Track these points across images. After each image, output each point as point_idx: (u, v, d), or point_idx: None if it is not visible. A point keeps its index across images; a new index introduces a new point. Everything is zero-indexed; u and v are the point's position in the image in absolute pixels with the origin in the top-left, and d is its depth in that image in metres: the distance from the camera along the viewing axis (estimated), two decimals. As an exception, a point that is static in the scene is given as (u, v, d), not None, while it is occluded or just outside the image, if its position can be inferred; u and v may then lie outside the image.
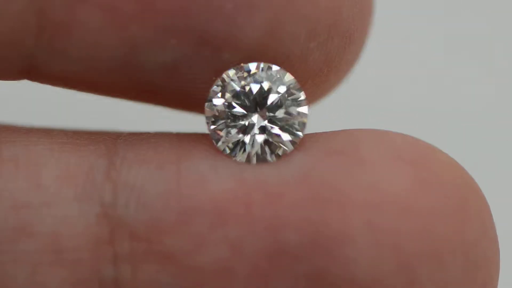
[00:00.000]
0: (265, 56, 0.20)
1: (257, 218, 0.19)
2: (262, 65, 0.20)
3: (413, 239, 0.18)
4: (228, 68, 0.20)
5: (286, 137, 0.20)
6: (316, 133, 0.21)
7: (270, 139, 0.20)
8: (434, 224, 0.18)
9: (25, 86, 0.23)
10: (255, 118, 0.20)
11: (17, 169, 0.20)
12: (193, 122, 0.23)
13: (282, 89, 0.20)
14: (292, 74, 0.20)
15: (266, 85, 0.20)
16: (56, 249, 0.19)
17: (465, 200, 0.19)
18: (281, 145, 0.20)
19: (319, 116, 0.24)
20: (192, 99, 0.21)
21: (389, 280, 0.18)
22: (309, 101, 0.21)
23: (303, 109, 0.20)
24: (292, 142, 0.20)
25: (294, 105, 0.20)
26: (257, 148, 0.20)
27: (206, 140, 0.21)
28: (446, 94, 0.37)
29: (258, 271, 0.19)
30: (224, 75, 0.20)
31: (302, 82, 0.21)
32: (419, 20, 0.39)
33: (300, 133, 0.20)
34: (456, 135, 0.34)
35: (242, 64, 0.20)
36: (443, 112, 0.37)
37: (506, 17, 0.39)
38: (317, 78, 0.21)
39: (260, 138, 0.20)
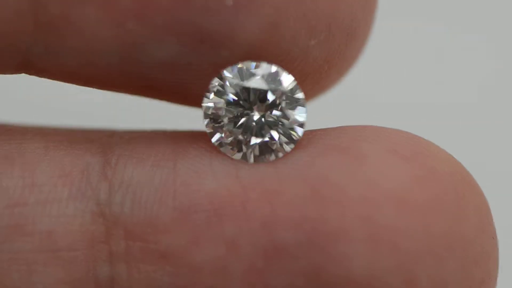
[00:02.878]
0: (265, 53, 0.20)
1: (253, 216, 0.19)
2: (261, 63, 0.20)
3: (410, 235, 0.18)
4: (227, 65, 0.20)
5: (284, 138, 0.20)
6: (313, 130, 0.21)
7: (268, 139, 0.20)
8: (431, 220, 0.18)
9: (20, 84, 0.23)
10: (253, 116, 0.20)
11: (12, 168, 0.20)
12: (189, 120, 0.23)
13: (281, 88, 0.20)
14: (292, 71, 0.20)
15: (265, 84, 0.20)
16: (51, 248, 0.19)
17: (462, 196, 0.19)
18: (279, 146, 0.20)
19: (317, 113, 0.24)
20: (190, 94, 0.21)
21: (386, 277, 0.18)
22: (308, 97, 0.21)
23: (302, 109, 0.20)
24: (290, 142, 0.20)
25: (292, 105, 0.20)
26: (254, 147, 0.20)
27: (202, 138, 0.20)
28: (445, 91, 0.37)
29: (255, 269, 0.19)
30: (223, 72, 0.20)
31: (302, 78, 0.20)
32: (420, 17, 0.39)
33: (298, 133, 0.20)
34: (454, 132, 0.34)
35: (241, 62, 0.20)
36: (441, 109, 0.37)
37: (503, 17, 0.39)
38: (317, 75, 0.21)
39: (258, 138, 0.20)
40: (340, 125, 0.20)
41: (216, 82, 0.20)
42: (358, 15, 0.21)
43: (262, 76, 0.20)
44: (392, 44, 0.37)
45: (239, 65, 0.20)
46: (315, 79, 0.21)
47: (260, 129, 0.20)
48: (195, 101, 0.21)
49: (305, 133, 0.20)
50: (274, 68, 0.20)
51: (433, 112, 0.36)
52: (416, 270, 0.18)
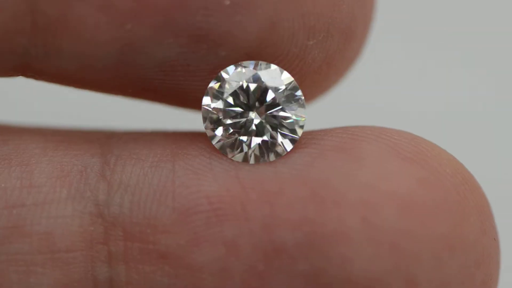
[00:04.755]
0: (264, 53, 0.20)
1: (253, 217, 0.19)
2: (260, 63, 0.20)
3: (410, 237, 0.18)
4: (226, 65, 0.20)
5: (284, 136, 0.20)
6: (313, 131, 0.20)
7: (268, 139, 0.20)
8: (432, 222, 0.18)
9: (19, 84, 0.23)
10: (252, 116, 0.20)
11: (10, 168, 0.20)
12: (189, 120, 0.23)
13: (280, 88, 0.20)
14: (290, 72, 0.20)
15: (264, 84, 0.20)
16: (49, 249, 0.19)
17: (464, 198, 0.19)
18: (279, 144, 0.20)
19: (317, 113, 0.24)
20: (188, 97, 0.21)
21: (386, 279, 0.18)
22: (308, 98, 0.21)
23: (301, 108, 0.20)
24: (290, 141, 0.20)
25: (292, 104, 0.20)
26: (254, 147, 0.20)
27: (201, 138, 0.20)
28: (447, 92, 0.37)
29: (254, 270, 0.19)
30: (221, 73, 0.20)
31: (301, 80, 0.20)
32: (420, 18, 0.39)
33: (298, 133, 0.20)
34: (456, 132, 0.34)
35: (240, 62, 0.20)
36: (443, 109, 0.37)
37: (503, 19, 0.39)
38: (316, 76, 0.21)
39: (258, 137, 0.20)
40: (340, 125, 0.20)
41: (214, 83, 0.20)
42: (357, 15, 0.21)
43: (261, 75, 0.20)
44: (393, 45, 0.37)
45: (238, 65, 0.20)
46: (314, 80, 0.21)
47: (260, 129, 0.20)
48: (194, 104, 0.21)
49: (305, 133, 0.20)
50: (273, 67, 0.20)
51: (434, 113, 0.36)
52: (417, 271, 0.18)
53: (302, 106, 0.20)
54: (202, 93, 0.20)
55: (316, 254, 0.18)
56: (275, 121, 0.20)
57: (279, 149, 0.20)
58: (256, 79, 0.20)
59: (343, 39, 0.20)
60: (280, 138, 0.20)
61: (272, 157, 0.20)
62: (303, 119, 0.20)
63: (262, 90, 0.20)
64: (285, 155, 0.20)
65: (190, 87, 0.21)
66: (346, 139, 0.20)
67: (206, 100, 0.20)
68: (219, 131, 0.20)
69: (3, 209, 0.19)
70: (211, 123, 0.20)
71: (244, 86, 0.20)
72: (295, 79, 0.20)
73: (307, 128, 0.20)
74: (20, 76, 0.21)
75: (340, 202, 0.18)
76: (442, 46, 0.38)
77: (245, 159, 0.20)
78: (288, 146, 0.20)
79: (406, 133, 0.20)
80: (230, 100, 0.20)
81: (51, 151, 0.20)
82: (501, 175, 0.34)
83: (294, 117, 0.20)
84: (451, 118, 0.36)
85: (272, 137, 0.20)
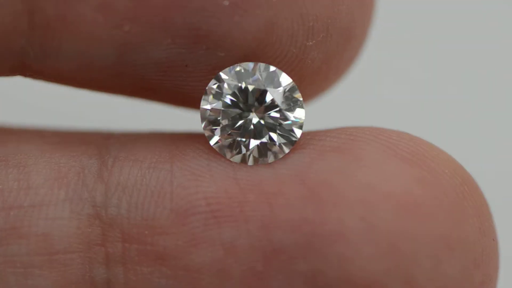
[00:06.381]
0: (263, 54, 0.20)
1: (251, 218, 0.19)
2: (259, 65, 0.20)
3: (409, 237, 0.18)
4: (224, 66, 0.20)
5: (282, 139, 0.20)
6: (311, 131, 0.20)
7: (267, 140, 0.20)
8: (431, 223, 0.18)
9: (17, 85, 0.23)
10: (251, 118, 0.20)
11: (7, 170, 0.20)
12: (187, 121, 0.23)
13: (279, 90, 0.20)
14: (289, 73, 0.20)
15: (262, 86, 0.20)
16: (47, 251, 0.19)
17: (463, 198, 0.19)
18: (277, 146, 0.20)
19: (316, 113, 0.24)
20: (187, 96, 0.21)
21: (384, 279, 0.18)
22: (307, 98, 0.21)
23: (300, 110, 0.20)
24: (289, 143, 0.20)
25: (290, 107, 0.20)
26: (253, 149, 0.20)
27: (200, 139, 0.20)
28: (445, 92, 0.37)
29: (253, 271, 0.19)
30: (220, 74, 0.20)
31: (300, 80, 0.20)
32: (419, 18, 0.39)
33: (297, 134, 0.20)
34: (454, 132, 0.34)
35: (238, 63, 0.20)
36: (441, 109, 0.37)
37: (503, 20, 0.39)
38: (315, 76, 0.21)
39: (256, 140, 0.20)
40: (339, 126, 0.20)
41: (213, 84, 0.20)
42: (356, 16, 0.21)
43: (260, 77, 0.20)
44: (392, 44, 0.37)
45: (237, 66, 0.20)
46: (313, 80, 0.21)
47: (259, 131, 0.20)
48: (192, 103, 0.21)
49: (304, 134, 0.20)
50: (272, 68, 0.20)
51: (433, 113, 0.36)
52: (415, 272, 0.18)
53: (301, 107, 0.20)
54: (200, 93, 0.20)
55: (315, 254, 0.18)
56: (274, 123, 0.20)
57: (277, 151, 0.20)
58: (255, 80, 0.20)
59: (342, 40, 0.20)
60: (278, 140, 0.20)
61: (270, 158, 0.20)
62: (302, 120, 0.20)
63: (261, 91, 0.20)
64: (284, 156, 0.20)
65: (188, 87, 0.21)
66: (345, 139, 0.19)
67: (204, 100, 0.20)
68: (218, 132, 0.20)
69: (0, 210, 0.19)
70: (209, 123, 0.20)
71: (243, 87, 0.20)
72: (294, 79, 0.20)
73: (306, 128, 0.20)
74: (18, 76, 0.21)
75: (338, 203, 0.18)
76: (442, 46, 0.38)
77: (244, 160, 0.20)
78: (287, 148, 0.20)
79: (404, 134, 0.20)
80: (229, 101, 0.20)
81: (49, 152, 0.20)
82: (500, 176, 0.33)
83: (292, 119, 0.20)
84: (450, 118, 0.36)
85: (270, 138, 0.20)
